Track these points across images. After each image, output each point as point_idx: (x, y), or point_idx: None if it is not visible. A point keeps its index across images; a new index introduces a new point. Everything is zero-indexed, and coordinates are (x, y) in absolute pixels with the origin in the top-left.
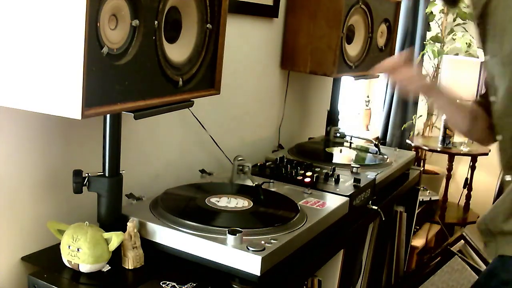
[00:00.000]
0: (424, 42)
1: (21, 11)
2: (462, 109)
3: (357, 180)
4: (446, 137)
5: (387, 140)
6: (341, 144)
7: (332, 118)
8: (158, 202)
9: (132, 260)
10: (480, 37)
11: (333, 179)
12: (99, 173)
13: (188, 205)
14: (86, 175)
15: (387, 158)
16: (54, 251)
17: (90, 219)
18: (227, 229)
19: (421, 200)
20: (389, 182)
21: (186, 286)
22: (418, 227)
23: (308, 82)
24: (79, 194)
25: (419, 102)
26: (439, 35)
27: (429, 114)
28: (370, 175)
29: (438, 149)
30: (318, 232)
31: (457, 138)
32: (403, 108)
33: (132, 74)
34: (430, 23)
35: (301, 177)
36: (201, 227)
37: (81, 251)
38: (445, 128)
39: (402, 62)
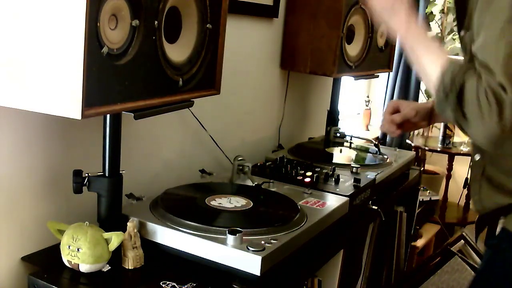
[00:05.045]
0: None
1: (21, 11)
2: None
3: (357, 180)
4: (446, 137)
5: (387, 140)
6: (341, 144)
7: (332, 118)
8: (158, 202)
9: (132, 260)
10: None
11: (333, 179)
12: (99, 173)
13: (188, 205)
14: (86, 175)
15: (387, 158)
16: (54, 251)
17: (90, 219)
18: (227, 229)
19: (421, 200)
20: (389, 182)
21: (186, 286)
22: (418, 227)
23: (308, 82)
24: (79, 194)
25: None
26: (439, 35)
27: None
28: (370, 175)
29: (438, 149)
30: (318, 232)
31: (457, 138)
32: None
33: (132, 74)
34: (430, 23)
35: (301, 177)
36: (201, 227)
37: (81, 251)
38: (445, 128)
39: None
